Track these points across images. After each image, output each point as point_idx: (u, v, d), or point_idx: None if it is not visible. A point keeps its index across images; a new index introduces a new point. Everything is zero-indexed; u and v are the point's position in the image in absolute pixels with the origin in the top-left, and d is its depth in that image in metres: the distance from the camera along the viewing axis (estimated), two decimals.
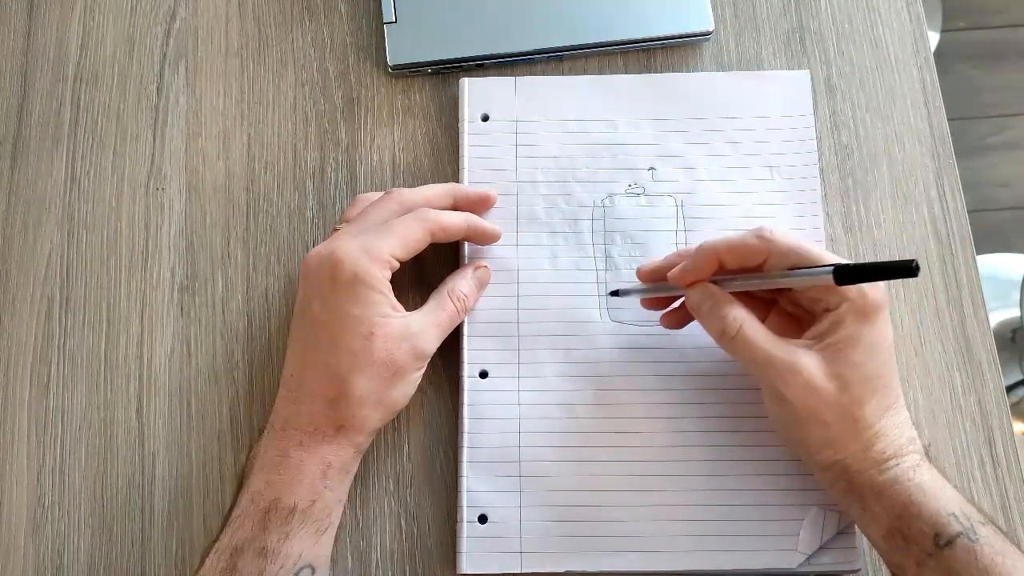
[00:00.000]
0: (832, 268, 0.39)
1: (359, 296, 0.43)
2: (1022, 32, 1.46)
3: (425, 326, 0.45)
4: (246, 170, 0.54)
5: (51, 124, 0.55)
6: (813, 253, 0.41)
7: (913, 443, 0.42)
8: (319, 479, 0.42)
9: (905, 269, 0.35)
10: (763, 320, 0.46)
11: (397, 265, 0.44)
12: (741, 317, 0.42)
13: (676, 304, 0.48)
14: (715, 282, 0.44)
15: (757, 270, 0.43)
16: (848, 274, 0.38)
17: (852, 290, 0.41)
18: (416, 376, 0.45)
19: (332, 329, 0.43)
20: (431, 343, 0.45)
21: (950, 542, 0.38)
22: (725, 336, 0.43)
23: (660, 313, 0.48)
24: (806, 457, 0.43)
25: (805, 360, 0.41)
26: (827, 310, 0.41)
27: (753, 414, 0.47)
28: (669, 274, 0.45)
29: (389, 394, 0.44)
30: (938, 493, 0.40)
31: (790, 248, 0.42)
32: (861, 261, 0.36)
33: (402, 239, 0.44)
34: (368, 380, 0.43)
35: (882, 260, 0.35)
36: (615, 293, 0.49)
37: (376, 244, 0.43)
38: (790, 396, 0.41)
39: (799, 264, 0.41)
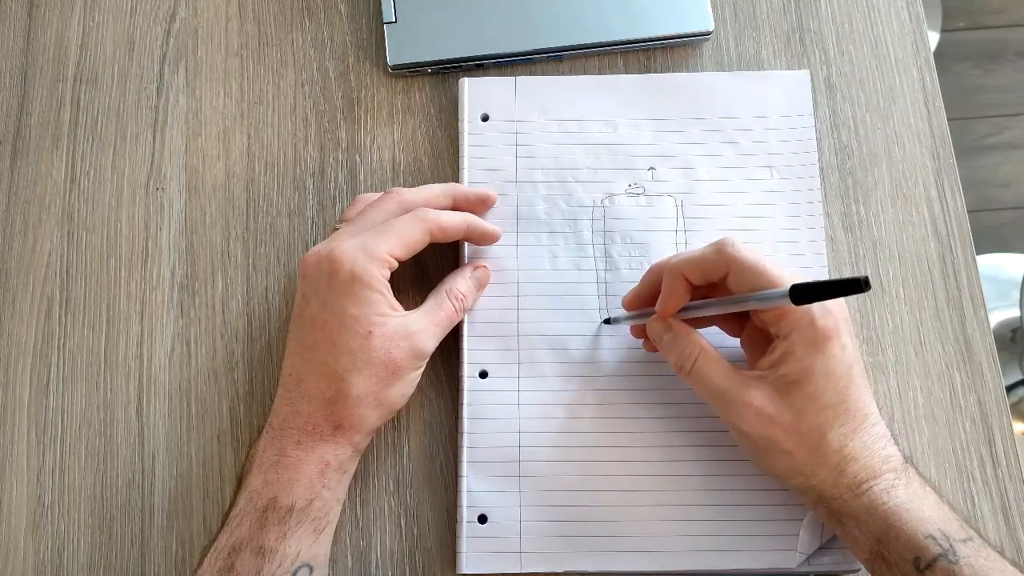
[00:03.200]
0: (788, 289, 0.37)
1: (357, 295, 0.43)
2: (1021, 32, 1.46)
3: (424, 326, 0.45)
4: (246, 170, 0.54)
5: (51, 124, 0.55)
6: (772, 273, 0.41)
7: (888, 461, 0.41)
8: (317, 478, 0.42)
9: (855, 285, 0.34)
10: (739, 333, 0.46)
11: (396, 265, 0.44)
12: (696, 352, 0.43)
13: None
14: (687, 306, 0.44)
15: (723, 285, 0.43)
16: (803, 293, 0.37)
17: (803, 319, 0.40)
18: (414, 376, 0.45)
19: (330, 328, 0.43)
20: (429, 343, 0.45)
21: (930, 565, 0.38)
22: (682, 371, 0.43)
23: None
24: (782, 484, 0.43)
25: (756, 393, 0.41)
26: (779, 337, 0.41)
27: None
28: (656, 308, 0.45)
29: (387, 394, 0.44)
30: (915, 514, 0.39)
31: (750, 262, 0.41)
32: (815, 280, 0.36)
33: (401, 239, 0.44)
34: (366, 379, 0.43)
35: (837, 278, 0.35)
36: (607, 321, 0.49)
37: (375, 244, 0.43)
38: (746, 429, 0.41)
39: (758, 282, 0.41)
